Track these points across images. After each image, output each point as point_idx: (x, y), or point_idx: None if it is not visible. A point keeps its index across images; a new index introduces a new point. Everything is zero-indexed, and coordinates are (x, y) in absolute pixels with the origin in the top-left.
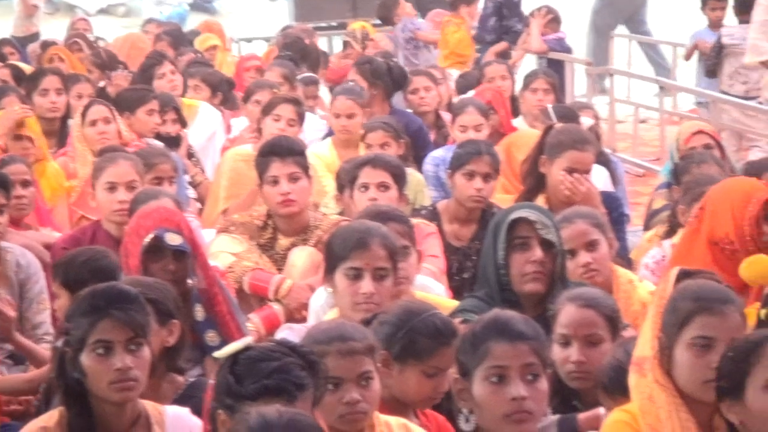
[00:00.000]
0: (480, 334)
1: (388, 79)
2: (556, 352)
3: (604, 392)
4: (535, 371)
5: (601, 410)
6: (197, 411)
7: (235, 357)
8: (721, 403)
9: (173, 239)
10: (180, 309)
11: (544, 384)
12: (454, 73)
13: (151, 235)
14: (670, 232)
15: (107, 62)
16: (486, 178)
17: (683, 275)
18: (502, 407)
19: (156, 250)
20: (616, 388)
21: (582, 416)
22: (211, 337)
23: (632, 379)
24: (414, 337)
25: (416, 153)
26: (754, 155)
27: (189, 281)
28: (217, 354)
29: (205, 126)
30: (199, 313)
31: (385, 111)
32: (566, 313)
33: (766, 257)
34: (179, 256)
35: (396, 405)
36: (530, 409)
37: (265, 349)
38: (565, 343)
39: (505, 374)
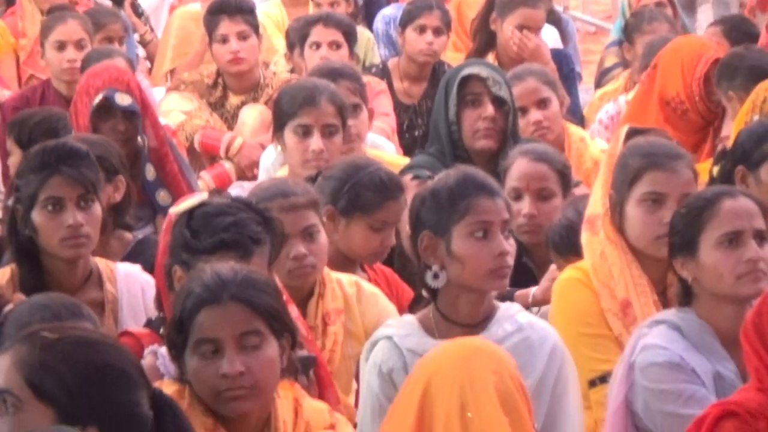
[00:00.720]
0: (458, 190)
1: None
2: None
3: (554, 252)
4: (510, 228)
5: (553, 267)
6: (146, 268)
7: (190, 213)
8: (674, 260)
9: (123, 99)
10: (125, 165)
11: (513, 241)
12: None
13: (100, 96)
14: (627, 88)
15: None
16: (437, 32)
17: (633, 133)
18: (488, 263)
19: (106, 110)
20: (566, 248)
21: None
22: (162, 196)
23: (584, 237)
24: (359, 191)
25: (373, 8)
26: (704, 13)
27: (139, 140)
28: (172, 209)
29: None
30: (150, 173)
31: None
32: (518, 167)
33: None
34: (129, 116)
35: (343, 261)
36: (510, 264)
37: (221, 205)
38: (517, 197)
39: (489, 229)
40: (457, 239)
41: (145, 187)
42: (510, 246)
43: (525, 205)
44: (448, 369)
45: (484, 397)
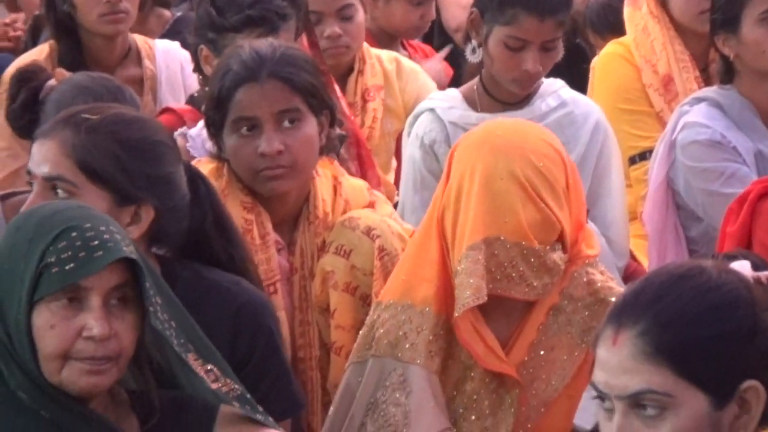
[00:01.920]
0: None
1: None
2: None
3: (592, 30)
4: (554, 45)
5: None
6: (185, 45)
7: None
8: (716, 37)
9: None
10: None
11: (558, 53)
12: None
13: None
14: None
15: None
16: None
17: None
18: (512, 72)
19: None
20: (603, 26)
21: None
22: None
23: (627, 11)
24: None
25: None
26: None
27: None
28: None
29: None
30: None
31: None
32: None
33: None
34: None
35: (384, 38)
36: (534, 79)
37: None
38: None
39: (524, 46)
40: (493, 39)
41: None
42: (541, 65)
43: None
44: (464, 149)
45: (476, 191)
